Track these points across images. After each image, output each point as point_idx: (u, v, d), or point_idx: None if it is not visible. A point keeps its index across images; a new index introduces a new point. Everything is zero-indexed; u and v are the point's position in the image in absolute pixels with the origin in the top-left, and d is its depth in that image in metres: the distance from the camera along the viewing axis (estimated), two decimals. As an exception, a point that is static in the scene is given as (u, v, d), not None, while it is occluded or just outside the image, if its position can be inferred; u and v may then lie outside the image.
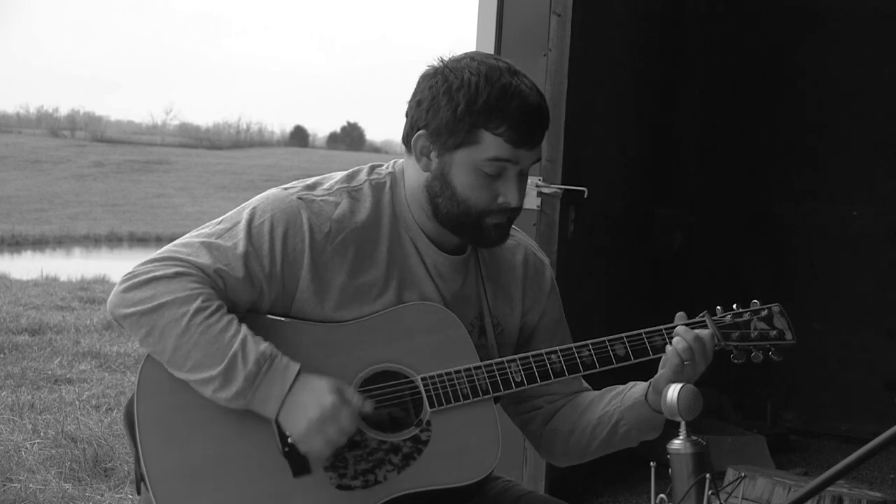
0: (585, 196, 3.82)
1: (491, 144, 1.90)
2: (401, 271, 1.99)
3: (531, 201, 3.76)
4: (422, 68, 2.00)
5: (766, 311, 2.07)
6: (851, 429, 5.56)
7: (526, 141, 1.91)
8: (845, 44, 5.81)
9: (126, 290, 1.87)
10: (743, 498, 3.27)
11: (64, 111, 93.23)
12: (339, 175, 2.05)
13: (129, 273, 1.89)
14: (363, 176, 2.04)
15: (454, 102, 1.89)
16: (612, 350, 2.01)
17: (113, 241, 30.62)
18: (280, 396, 1.83)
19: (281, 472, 1.87)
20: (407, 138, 1.98)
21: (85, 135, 63.23)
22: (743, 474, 2.90)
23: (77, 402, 5.86)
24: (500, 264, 2.12)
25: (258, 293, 1.92)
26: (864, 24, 5.79)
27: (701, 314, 2.05)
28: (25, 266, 18.45)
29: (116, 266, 18.65)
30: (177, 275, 1.86)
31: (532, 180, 3.75)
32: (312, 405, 1.83)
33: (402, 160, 2.05)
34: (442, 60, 1.97)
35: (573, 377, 2.04)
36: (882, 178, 5.78)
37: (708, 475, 1.71)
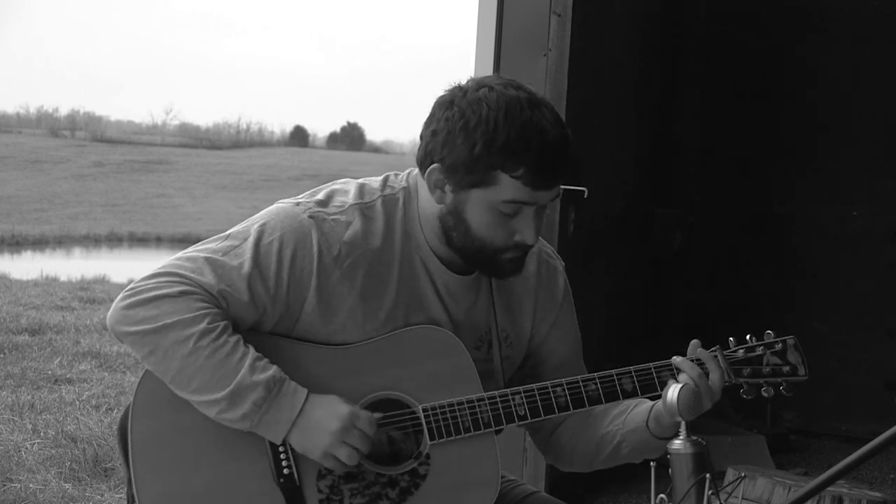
0: (585, 196, 3.81)
1: (508, 187, 1.82)
2: (410, 293, 1.93)
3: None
4: (421, 68, 1.98)
5: (780, 345, 2.00)
6: (851, 429, 5.56)
7: (545, 184, 1.84)
8: (845, 44, 5.81)
9: (129, 307, 1.82)
10: (743, 498, 3.27)
11: (64, 111, 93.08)
12: (353, 188, 1.97)
13: (132, 289, 1.83)
14: (377, 191, 1.96)
15: (471, 141, 1.81)
16: (620, 385, 1.94)
17: (113, 241, 30.64)
18: (289, 421, 1.81)
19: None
20: (421, 165, 1.90)
21: (85, 135, 63.18)
22: (743, 474, 2.89)
23: (77, 402, 5.86)
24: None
25: (261, 313, 1.87)
26: (864, 24, 5.78)
27: (713, 348, 1.97)
28: (25, 266, 18.44)
29: (116, 266, 18.68)
30: (181, 294, 1.81)
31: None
32: (330, 418, 1.81)
33: (416, 171, 1.96)
34: (460, 88, 1.87)
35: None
36: (882, 178, 5.77)
37: (708, 475, 1.71)
